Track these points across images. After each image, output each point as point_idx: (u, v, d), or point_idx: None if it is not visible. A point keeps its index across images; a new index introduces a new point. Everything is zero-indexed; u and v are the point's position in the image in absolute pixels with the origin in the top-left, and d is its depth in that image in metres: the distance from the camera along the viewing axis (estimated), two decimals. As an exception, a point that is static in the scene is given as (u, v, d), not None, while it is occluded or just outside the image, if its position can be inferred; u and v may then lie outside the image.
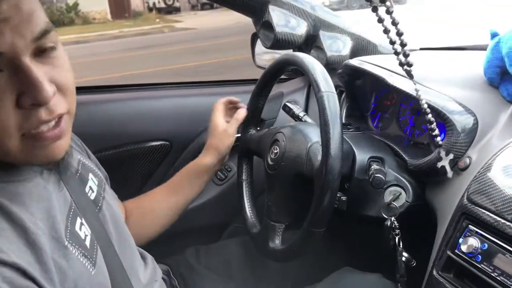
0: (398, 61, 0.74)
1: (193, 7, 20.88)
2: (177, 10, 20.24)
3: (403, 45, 0.70)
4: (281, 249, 0.90)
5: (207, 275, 1.08)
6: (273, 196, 0.95)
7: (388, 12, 0.66)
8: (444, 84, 0.96)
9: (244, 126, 1.12)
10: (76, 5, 17.65)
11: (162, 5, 20.08)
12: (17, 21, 0.52)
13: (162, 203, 1.07)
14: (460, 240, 0.73)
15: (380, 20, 0.68)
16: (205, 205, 1.39)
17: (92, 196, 0.79)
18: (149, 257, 0.95)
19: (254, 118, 1.11)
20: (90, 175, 0.82)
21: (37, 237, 0.58)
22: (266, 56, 1.48)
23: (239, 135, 1.13)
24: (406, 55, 0.72)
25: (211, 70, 6.48)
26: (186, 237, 1.34)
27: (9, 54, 0.53)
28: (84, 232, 0.69)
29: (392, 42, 0.69)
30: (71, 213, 0.68)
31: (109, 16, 18.59)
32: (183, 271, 1.06)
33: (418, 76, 0.98)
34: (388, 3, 0.65)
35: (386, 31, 0.67)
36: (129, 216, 1.03)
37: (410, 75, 0.74)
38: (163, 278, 0.98)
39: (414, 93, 0.91)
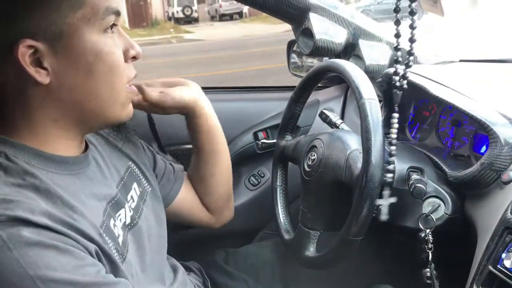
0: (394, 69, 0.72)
1: (212, 18, 21.09)
2: (196, 20, 20.45)
3: (408, 66, 0.68)
4: (316, 256, 0.90)
5: (235, 277, 1.08)
6: (308, 202, 0.95)
7: (411, 26, 0.65)
8: (486, 95, 0.94)
9: (279, 132, 1.13)
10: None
11: (181, 15, 20.32)
12: None
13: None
14: (503, 255, 0.71)
15: (398, 35, 0.66)
16: (237, 209, 1.39)
17: (133, 205, 0.80)
18: (181, 270, 0.95)
19: (290, 124, 1.11)
20: (134, 185, 0.84)
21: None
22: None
23: (274, 141, 1.14)
24: (405, 77, 0.70)
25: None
26: (217, 240, 1.34)
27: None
28: (118, 231, 0.71)
29: (398, 61, 0.68)
30: (107, 212, 0.71)
31: (127, 25, 18.89)
32: (212, 272, 1.07)
33: (459, 88, 0.97)
34: (415, 17, 0.64)
35: (397, 48, 0.65)
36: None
37: (397, 98, 0.72)
38: (195, 277, 0.99)
39: (456, 103, 0.90)
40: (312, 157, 0.94)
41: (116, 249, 0.68)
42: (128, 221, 0.77)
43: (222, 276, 1.08)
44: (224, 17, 20.10)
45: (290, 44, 1.53)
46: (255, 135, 1.42)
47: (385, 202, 0.78)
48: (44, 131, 0.66)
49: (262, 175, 1.41)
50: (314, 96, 1.41)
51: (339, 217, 0.84)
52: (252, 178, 1.40)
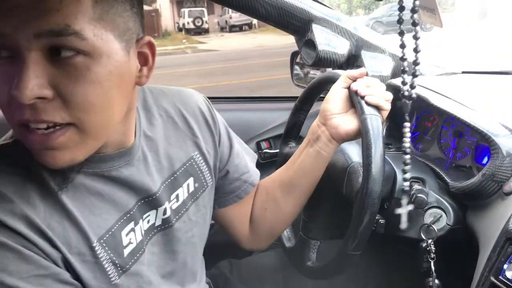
0: (401, 80, 0.72)
1: (222, 29, 21.32)
2: (206, 31, 20.71)
3: (414, 75, 0.68)
4: (316, 267, 0.90)
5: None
6: (310, 213, 0.95)
7: (415, 37, 0.65)
8: (488, 107, 0.95)
9: (283, 139, 1.13)
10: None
11: (192, 26, 20.58)
12: (26, 12, 0.51)
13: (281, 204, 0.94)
14: (505, 266, 0.71)
15: (403, 46, 0.67)
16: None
17: (174, 206, 0.77)
18: (204, 277, 0.92)
19: (294, 131, 1.11)
20: (190, 180, 0.80)
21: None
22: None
23: (277, 150, 1.14)
24: (413, 87, 0.70)
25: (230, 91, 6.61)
26: (219, 250, 1.34)
27: (12, 40, 0.52)
28: (130, 239, 0.69)
29: (404, 71, 0.68)
30: (126, 216, 0.69)
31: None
32: (219, 283, 1.07)
33: (461, 99, 0.98)
34: (417, 28, 0.65)
35: (403, 59, 0.66)
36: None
37: (406, 108, 0.72)
38: None
39: (458, 114, 0.90)
40: None
41: (111, 261, 0.66)
42: (158, 223, 0.74)
43: (229, 287, 1.08)
44: (233, 28, 20.38)
45: (293, 55, 1.55)
46: (258, 144, 1.43)
47: (403, 210, 0.79)
48: None
49: (264, 185, 1.41)
50: (317, 106, 1.41)
51: (340, 228, 0.84)
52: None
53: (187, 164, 0.80)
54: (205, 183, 0.83)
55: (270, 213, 0.94)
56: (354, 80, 0.82)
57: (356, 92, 0.79)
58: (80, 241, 0.62)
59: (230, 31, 20.39)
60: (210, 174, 0.84)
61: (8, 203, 0.58)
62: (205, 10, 20.76)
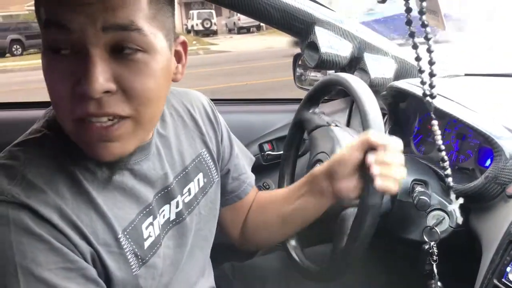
0: (422, 91, 0.71)
1: (230, 31, 21.40)
2: (215, 33, 20.79)
3: (432, 75, 0.68)
4: (320, 269, 0.90)
5: None
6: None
7: (426, 38, 0.66)
8: (492, 109, 0.95)
9: (286, 145, 1.13)
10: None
11: (201, 27, 20.66)
12: (95, 8, 0.54)
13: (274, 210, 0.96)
14: (508, 268, 0.71)
15: (415, 46, 0.67)
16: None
17: (187, 199, 0.80)
18: (212, 275, 0.96)
19: (296, 136, 1.12)
20: (199, 175, 0.83)
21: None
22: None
23: (280, 152, 1.14)
24: (432, 86, 0.70)
25: (244, 92, 6.64)
26: (222, 252, 1.34)
27: (78, 36, 0.55)
28: (150, 232, 0.71)
29: (421, 71, 0.68)
30: (146, 211, 0.71)
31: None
32: (223, 286, 1.07)
33: (464, 101, 0.98)
34: (428, 29, 0.65)
35: (418, 58, 0.66)
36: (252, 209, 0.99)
37: (430, 107, 0.72)
38: None
39: (460, 117, 0.90)
40: None
41: (134, 253, 0.68)
42: (172, 217, 0.77)
43: None
44: (241, 30, 20.44)
45: (296, 58, 1.55)
46: (261, 146, 1.43)
47: (455, 206, 0.79)
48: None
49: (267, 186, 1.42)
50: (320, 108, 1.42)
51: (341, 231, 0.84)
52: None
53: (196, 160, 0.83)
54: (212, 179, 0.86)
55: (261, 232, 0.98)
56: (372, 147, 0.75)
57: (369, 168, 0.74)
58: (106, 233, 0.64)
59: (238, 32, 20.43)
60: (216, 170, 0.88)
61: (41, 193, 0.59)
62: (213, 12, 20.83)
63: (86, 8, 0.54)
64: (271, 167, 1.41)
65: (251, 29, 20.29)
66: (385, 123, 1.20)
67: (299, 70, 1.56)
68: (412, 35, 0.64)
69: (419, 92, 1.03)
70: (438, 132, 0.75)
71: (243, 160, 0.98)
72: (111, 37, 0.56)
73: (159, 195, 0.74)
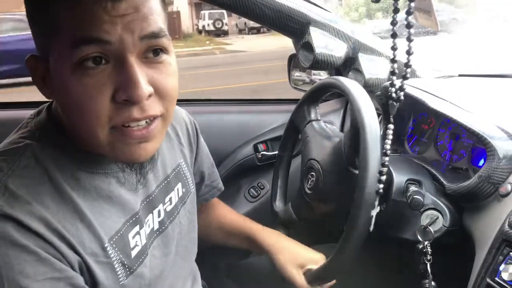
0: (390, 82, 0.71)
1: (241, 31, 21.45)
2: (225, 33, 20.86)
3: (405, 77, 0.66)
4: (316, 269, 0.90)
5: None
6: (311, 218, 0.96)
7: (409, 39, 0.64)
8: (485, 109, 0.95)
9: (281, 146, 1.13)
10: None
11: (212, 28, 20.69)
12: (131, 19, 0.57)
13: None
14: (501, 267, 0.71)
15: (394, 48, 0.65)
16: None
17: (168, 208, 0.80)
18: (199, 279, 0.96)
19: (292, 136, 1.12)
20: (179, 185, 0.84)
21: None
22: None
23: (275, 152, 1.15)
24: (402, 89, 0.69)
25: (268, 90, 6.62)
26: (217, 252, 1.34)
27: (117, 47, 0.57)
28: (136, 241, 0.70)
29: (394, 61, 0.66)
30: (132, 220, 0.70)
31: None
32: (216, 286, 1.07)
33: (458, 101, 0.98)
34: (411, 31, 0.64)
35: (394, 60, 0.64)
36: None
37: (393, 110, 0.70)
38: None
39: (454, 117, 0.91)
40: (311, 179, 0.95)
41: (121, 262, 0.67)
42: (156, 226, 0.77)
43: None
44: (252, 30, 20.43)
45: (291, 58, 1.55)
46: (255, 147, 1.43)
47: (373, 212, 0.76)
48: None
49: (262, 187, 1.42)
50: (318, 110, 1.42)
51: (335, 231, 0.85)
52: (251, 190, 1.41)
53: (176, 170, 0.84)
54: (189, 189, 0.88)
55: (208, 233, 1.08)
56: None
57: None
58: (92, 242, 0.63)
59: (249, 33, 20.48)
60: (192, 181, 0.89)
61: (25, 204, 0.58)
62: (224, 12, 20.84)
63: (121, 19, 0.56)
64: (266, 167, 1.41)
65: (261, 29, 20.29)
66: (379, 123, 1.21)
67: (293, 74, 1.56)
68: (394, 36, 0.63)
69: (414, 91, 1.04)
70: (390, 137, 0.70)
71: (215, 170, 1.04)
72: (145, 44, 0.59)
73: (144, 203, 0.74)
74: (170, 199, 0.81)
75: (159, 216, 0.77)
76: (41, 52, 0.62)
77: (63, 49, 0.57)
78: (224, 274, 1.12)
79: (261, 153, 1.41)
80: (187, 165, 0.88)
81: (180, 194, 0.84)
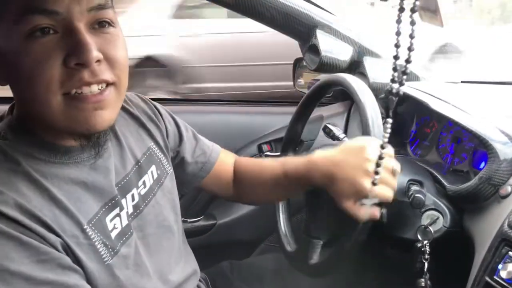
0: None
1: None
2: None
3: (404, 73, 0.68)
4: (318, 264, 0.91)
5: None
6: (313, 213, 0.97)
7: (411, 36, 0.65)
8: (487, 114, 0.97)
9: (283, 146, 1.15)
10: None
11: None
12: None
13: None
14: (500, 266, 0.73)
15: (397, 46, 0.66)
16: (239, 220, 1.41)
17: (142, 191, 0.81)
18: (193, 264, 0.95)
19: (294, 137, 1.13)
20: (152, 167, 0.84)
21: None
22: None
23: (278, 153, 1.16)
24: (405, 73, 0.70)
25: None
26: (219, 250, 1.36)
27: (65, 16, 0.60)
28: (115, 224, 0.72)
29: (397, 58, 0.67)
30: (111, 203, 0.72)
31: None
32: (218, 283, 1.08)
33: (460, 106, 1.00)
34: (414, 27, 0.65)
35: (396, 57, 0.65)
36: (241, 175, 1.04)
37: (392, 104, 0.70)
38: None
39: (456, 119, 0.93)
40: None
41: (103, 243, 0.69)
42: (130, 210, 0.77)
43: (228, 287, 1.09)
44: None
45: (296, 62, 1.57)
46: (260, 147, 1.44)
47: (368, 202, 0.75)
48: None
49: (265, 187, 1.43)
50: (318, 111, 1.44)
51: (341, 225, 0.86)
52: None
53: (147, 154, 0.85)
54: (165, 171, 0.88)
55: (256, 190, 1.03)
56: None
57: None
58: (71, 225, 0.65)
59: None
60: (168, 162, 0.90)
61: (4, 192, 0.60)
62: None
63: None
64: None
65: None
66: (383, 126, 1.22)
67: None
68: (398, 33, 0.64)
69: (417, 94, 1.06)
70: (388, 130, 0.69)
71: (200, 141, 1.00)
72: (92, 16, 0.63)
73: (119, 186, 0.75)
74: (144, 182, 0.82)
75: (133, 200, 0.78)
76: None
77: (11, 24, 0.60)
78: (227, 272, 1.13)
79: (265, 153, 1.42)
80: (160, 148, 0.89)
81: (155, 176, 0.85)
